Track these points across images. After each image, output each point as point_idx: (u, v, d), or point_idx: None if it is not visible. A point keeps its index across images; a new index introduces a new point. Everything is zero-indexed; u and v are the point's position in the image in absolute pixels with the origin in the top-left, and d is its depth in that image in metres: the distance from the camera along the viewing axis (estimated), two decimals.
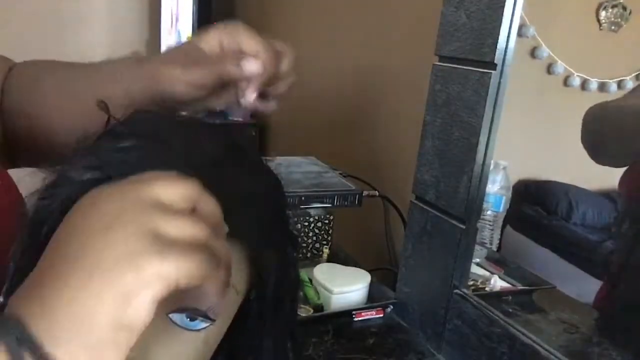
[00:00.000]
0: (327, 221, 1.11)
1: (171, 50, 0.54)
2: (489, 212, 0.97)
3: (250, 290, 0.41)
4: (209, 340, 0.38)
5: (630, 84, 0.97)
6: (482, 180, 0.82)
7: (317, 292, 0.97)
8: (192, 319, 0.37)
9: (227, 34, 0.49)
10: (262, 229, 0.39)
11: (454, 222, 0.85)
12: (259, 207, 0.40)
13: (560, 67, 0.99)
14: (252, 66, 0.49)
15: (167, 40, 2.48)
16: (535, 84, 1.04)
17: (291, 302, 0.46)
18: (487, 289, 0.90)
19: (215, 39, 0.50)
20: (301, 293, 0.94)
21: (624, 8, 0.97)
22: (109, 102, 0.41)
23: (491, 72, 0.78)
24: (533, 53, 0.99)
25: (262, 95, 0.53)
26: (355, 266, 1.06)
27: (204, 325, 0.37)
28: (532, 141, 1.05)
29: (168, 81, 0.50)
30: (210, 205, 0.32)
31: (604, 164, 0.87)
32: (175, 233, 0.28)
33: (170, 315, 0.36)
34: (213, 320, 0.38)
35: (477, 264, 0.96)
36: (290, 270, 0.44)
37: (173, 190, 0.30)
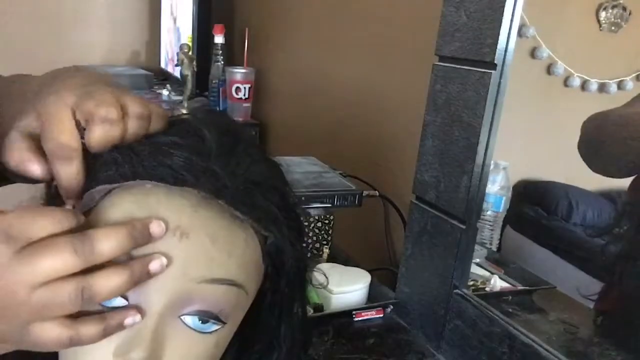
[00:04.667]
0: (327, 221, 1.11)
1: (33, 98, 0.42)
2: (489, 212, 0.97)
3: (264, 282, 0.42)
4: (219, 342, 0.39)
5: (630, 85, 0.97)
6: (482, 180, 0.82)
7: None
8: (203, 322, 0.37)
9: (78, 106, 0.38)
10: (275, 216, 0.40)
11: (454, 222, 0.85)
12: (270, 193, 0.40)
13: (560, 67, 1.00)
14: (65, 178, 0.37)
15: (167, 40, 2.48)
16: (536, 84, 1.04)
17: (301, 288, 0.46)
18: (487, 289, 0.90)
19: (67, 112, 0.38)
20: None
21: (624, 9, 0.97)
22: None
23: (491, 72, 0.78)
24: (533, 53, 0.99)
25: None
26: (355, 266, 1.06)
27: (215, 327, 0.38)
28: (532, 141, 1.05)
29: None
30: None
31: (599, 173, 0.87)
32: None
33: (183, 318, 0.37)
34: (224, 323, 0.38)
35: (477, 264, 0.96)
36: (301, 255, 0.44)
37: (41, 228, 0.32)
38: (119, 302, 0.36)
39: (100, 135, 0.37)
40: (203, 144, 0.38)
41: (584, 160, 0.84)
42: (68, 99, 0.39)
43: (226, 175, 0.37)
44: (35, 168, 0.39)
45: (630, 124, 0.82)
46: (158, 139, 0.38)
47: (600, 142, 0.85)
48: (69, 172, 0.37)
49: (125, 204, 0.36)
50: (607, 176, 0.89)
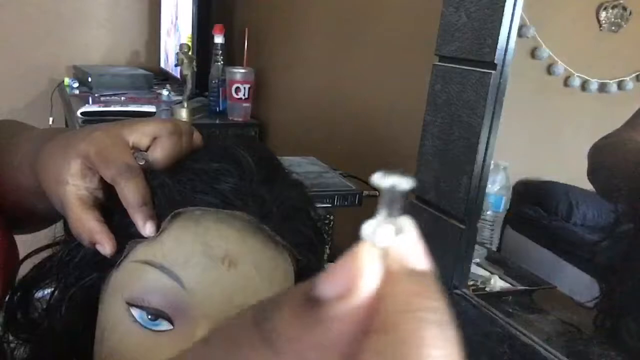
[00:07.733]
0: (327, 221, 1.11)
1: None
2: (489, 212, 0.97)
3: None
4: None
5: (630, 85, 0.97)
6: (482, 180, 0.82)
7: None
8: None
9: (131, 133, 0.41)
10: (313, 242, 0.42)
11: (454, 222, 0.85)
12: (307, 219, 0.42)
13: (561, 67, 0.99)
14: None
15: (167, 40, 2.48)
16: (536, 84, 1.04)
17: None
18: (487, 289, 0.90)
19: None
20: None
21: (624, 8, 0.97)
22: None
23: (491, 72, 0.78)
24: (533, 53, 0.99)
25: None
26: None
27: None
28: (532, 141, 1.05)
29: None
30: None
31: (615, 202, 0.87)
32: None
33: None
34: None
35: (477, 264, 0.96)
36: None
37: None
38: (165, 325, 0.36)
39: (169, 147, 0.40)
40: (243, 169, 0.40)
41: (596, 191, 0.85)
42: (115, 130, 0.41)
43: (272, 200, 0.39)
44: (107, 247, 0.39)
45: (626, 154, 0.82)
46: (201, 166, 0.40)
47: (602, 172, 0.85)
48: (137, 184, 0.38)
49: (175, 230, 0.37)
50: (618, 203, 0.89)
